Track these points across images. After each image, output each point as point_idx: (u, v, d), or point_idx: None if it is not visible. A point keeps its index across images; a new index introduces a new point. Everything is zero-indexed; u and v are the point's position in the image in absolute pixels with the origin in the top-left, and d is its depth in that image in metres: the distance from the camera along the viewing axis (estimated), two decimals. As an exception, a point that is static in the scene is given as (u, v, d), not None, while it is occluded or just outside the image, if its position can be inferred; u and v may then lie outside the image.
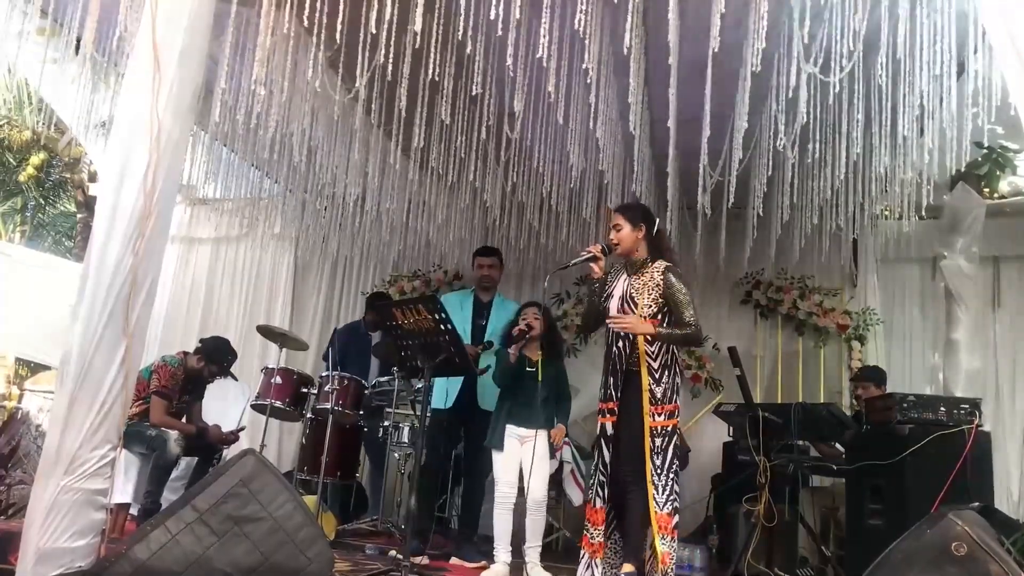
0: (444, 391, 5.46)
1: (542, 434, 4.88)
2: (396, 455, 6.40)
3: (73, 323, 3.42)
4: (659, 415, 4.18)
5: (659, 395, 4.20)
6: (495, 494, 4.92)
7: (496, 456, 4.92)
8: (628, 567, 4.11)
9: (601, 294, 4.49)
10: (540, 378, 4.91)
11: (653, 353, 4.24)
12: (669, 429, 4.17)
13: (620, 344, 4.34)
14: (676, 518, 4.14)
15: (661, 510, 4.08)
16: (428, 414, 4.51)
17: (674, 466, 4.14)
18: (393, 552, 4.67)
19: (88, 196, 12.60)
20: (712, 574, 5.57)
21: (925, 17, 3.76)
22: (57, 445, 3.30)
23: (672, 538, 4.08)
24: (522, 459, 4.80)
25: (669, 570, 4.04)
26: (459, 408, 5.47)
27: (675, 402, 4.23)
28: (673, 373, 4.26)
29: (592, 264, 4.40)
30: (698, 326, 4.25)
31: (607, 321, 4.38)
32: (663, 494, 4.09)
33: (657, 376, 4.21)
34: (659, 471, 4.11)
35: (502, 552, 4.82)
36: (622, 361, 4.31)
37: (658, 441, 4.14)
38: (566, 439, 5.35)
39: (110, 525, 4.64)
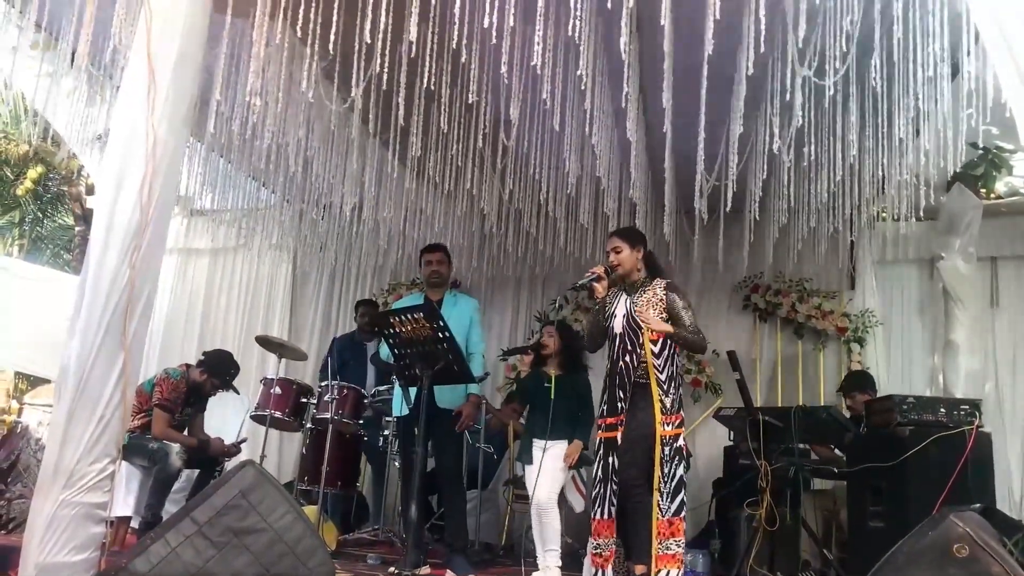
0: (399, 397, 5.27)
1: (558, 443, 4.98)
2: (397, 464, 6.39)
3: (70, 336, 3.42)
4: (668, 424, 4.36)
5: (668, 405, 4.39)
6: (530, 507, 5.00)
7: (527, 469, 5.05)
8: (640, 568, 4.27)
9: (603, 314, 4.69)
10: (555, 393, 5.00)
11: (660, 366, 4.43)
12: (677, 439, 4.36)
13: (627, 359, 4.49)
14: (674, 520, 4.29)
15: (664, 516, 4.25)
16: (423, 420, 4.45)
17: (681, 474, 4.32)
18: (392, 569, 4.66)
19: (86, 209, 12.58)
20: (714, 579, 5.56)
21: (918, 19, 3.77)
22: (56, 459, 3.30)
23: (668, 540, 4.24)
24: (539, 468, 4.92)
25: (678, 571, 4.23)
26: (417, 411, 4.97)
27: (679, 412, 4.43)
28: (678, 385, 4.47)
29: (595, 284, 4.60)
30: (702, 334, 4.57)
31: (636, 313, 4.55)
32: (668, 500, 4.26)
33: (665, 388, 4.40)
34: (667, 479, 4.28)
35: (540, 558, 4.96)
36: (630, 374, 4.47)
37: (667, 450, 4.32)
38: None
39: (111, 538, 4.64)
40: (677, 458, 4.31)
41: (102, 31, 4.18)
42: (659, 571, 4.18)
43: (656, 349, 4.44)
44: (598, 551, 4.41)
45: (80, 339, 3.38)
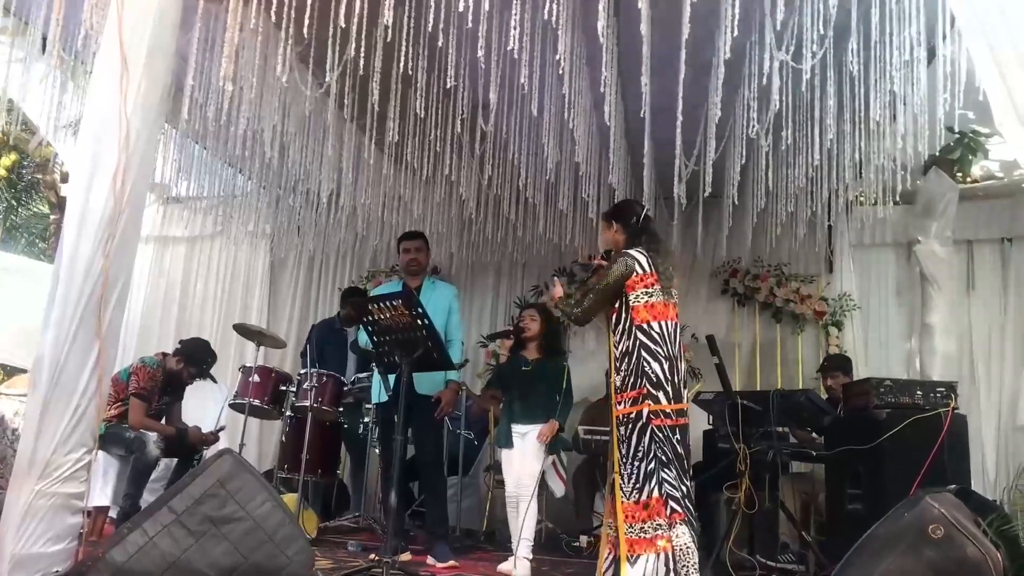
0: (378, 384, 5.24)
1: (537, 427, 4.98)
2: (377, 451, 6.38)
3: (45, 326, 3.39)
4: (620, 403, 4.13)
5: (619, 383, 4.16)
6: (506, 493, 5.02)
7: (504, 454, 5.04)
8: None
9: None
10: (533, 376, 5.06)
11: (616, 342, 4.22)
12: (634, 416, 4.06)
13: None
14: (648, 501, 3.97)
15: (628, 499, 4.00)
16: (402, 409, 4.44)
17: (646, 452, 4.00)
18: (373, 556, 4.66)
19: (61, 197, 12.39)
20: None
21: (894, 3, 3.78)
22: (31, 450, 3.28)
23: (644, 523, 3.95)
24: (522, 454, 4.94)
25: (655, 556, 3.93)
26: (396, 397, 4.84)
27: (639, 387, 4.08)
28: (636, 358, 4.12)
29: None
30: (588, 301, 4.27)
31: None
32: (629, 482, 4.01)
33: (618, 364, 4.18)
34: (625, 459, 4.04)
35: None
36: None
37: (623, 430, 4.08)
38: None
39: (89, 528, 4.61)
40: (636, 437, 4.02)
41: (73, 16, 4.12)
42: (632, 556, 3.93)
43: (613, 323, 4.25)
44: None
45: (54, 329, 3.35)
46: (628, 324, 4.17)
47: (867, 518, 4.16)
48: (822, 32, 3.77)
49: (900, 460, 4.45)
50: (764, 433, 5.05)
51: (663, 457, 3.99)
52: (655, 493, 3.96)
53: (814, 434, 5.93)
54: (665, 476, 3.97)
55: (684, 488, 4.01)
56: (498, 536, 6.34)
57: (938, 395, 4.64)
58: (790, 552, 5.25)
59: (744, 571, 4.83)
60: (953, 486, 3.91)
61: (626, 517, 3.99)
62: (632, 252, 4.26)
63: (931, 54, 4.01)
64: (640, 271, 4.19)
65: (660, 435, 4.00)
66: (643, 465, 4.00)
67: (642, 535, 3.93)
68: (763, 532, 5.12)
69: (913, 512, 3.12)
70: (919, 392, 4.69)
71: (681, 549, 3.92)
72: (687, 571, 3.89)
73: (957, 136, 6.31)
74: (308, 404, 5.85)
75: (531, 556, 4.89)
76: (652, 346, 4.12)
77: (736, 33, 3.59)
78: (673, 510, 3.97)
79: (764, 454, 4.96)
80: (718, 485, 5.30)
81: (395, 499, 4.34)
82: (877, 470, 4.57)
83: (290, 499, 5.50)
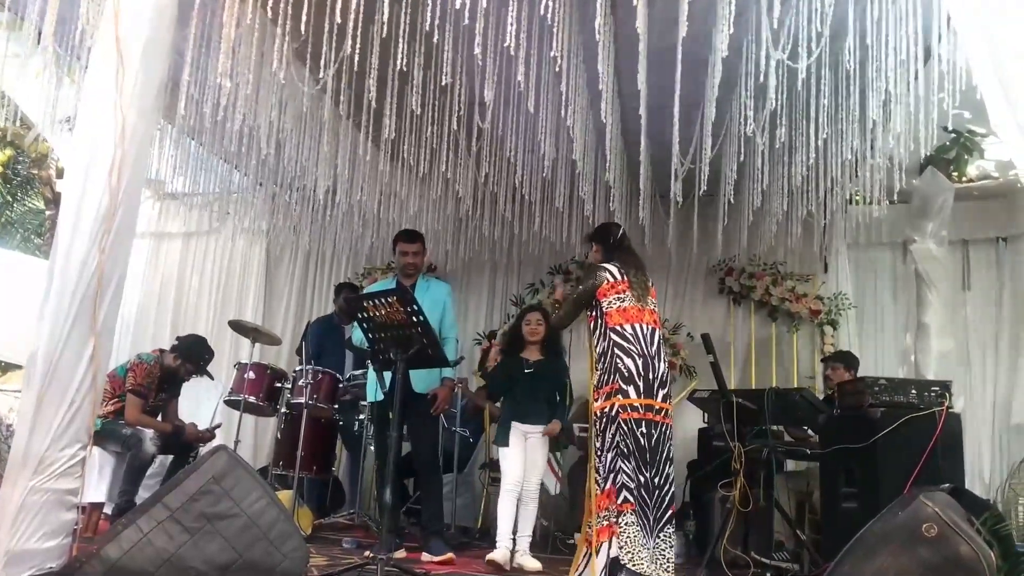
0: (374, 382, 5.18)
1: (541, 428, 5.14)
2: (372, 448, 6.38)
3: (39, 322, 3.38)
4: (597, 400, 4.44)
5: (596, 381, 4.48)
6: (502, 485, 5.08)
7: (504, 451, 5.11)
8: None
9: None
10: (537, 378, 5.22)
11: (595, 344, 4.56)
12: (607, 410, 4.36)
13: None
14: (608, 490, 4.26)
15: (600, 491, 4.29)
16: (397, 406, 4.41)
17: (613, 445, 4.29)
18: (368, 553, 4.67)
19: (56, 193, 12.36)
20: (689, 560, 5.60)
21: (891, 2, 3.78)
22: (25, 445, 3.27)
23: (604, 512, 4.23)
24: (526, 453, 5.08)
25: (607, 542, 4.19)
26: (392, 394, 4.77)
27: (611, 383, 4.39)
28: (610, 357, 4.44)
29: None
30: (559, 314, 4.93)
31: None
32: (602, 475, 4.30)
33: (597, 363, 4.50)
34: (598, 452, 4.35)
35: (505, 538, 4.97)
36: None
37: (598, 425, 4.38)
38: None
39: (84, 524, 4.61)
40: (607, 431, 4.33)
41: (69, 11, 4.11)
42: (598, 545, 4.21)
43: (592, 329, 4.60)
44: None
45: (49, 325, 3.34)
46: (603, 328, 4.52)
47: (861, 516, 4.17)
48: (819, 31, 3.78)
49: (894, 459, 4.45)
50: (759, 431, 5.05)
51: (624, 448, 4.25)
52: (612, 483, 4.26)
53: (810, 431, 5.93)
54: (622, 467, 4.24)
55: (641, 479, 4.22)
56: (493, 533, 6.33)
57: (932, 394, 4.64)
58: (785, 550, 5.25)
59: (738, 569, 4.84)
60: (947, 485, 3.92)
61: (597, 508, 4.27)
62: (604, 265, 4.66)
63: (927, 53, 4.01)
64: (611, 279, 4.58)
65: (625, 428, 4.28)
66: (608, 456, 4.29)
67: (601, 524, 4.24)
68: (758, 530, 5.13)
69: (907, 511, 3.12)
70: (913, 391, 4.69)
71: (629, 537, 4.13)
72: (632, 558, 4.08)
73: (953, 136, 6.32)
74: (303, 401, 5.84)
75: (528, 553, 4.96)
76: (625, 344, 4.43)
77: (732, 31, 3.59)
78: (625, 500, 4.22)
79: (759, 452, 4.97)
80: (713, 483, 5.32)
81: (390, 496, 4.34)
82: (871, 469, 4.57)
83: (285, 496, 5.49)
